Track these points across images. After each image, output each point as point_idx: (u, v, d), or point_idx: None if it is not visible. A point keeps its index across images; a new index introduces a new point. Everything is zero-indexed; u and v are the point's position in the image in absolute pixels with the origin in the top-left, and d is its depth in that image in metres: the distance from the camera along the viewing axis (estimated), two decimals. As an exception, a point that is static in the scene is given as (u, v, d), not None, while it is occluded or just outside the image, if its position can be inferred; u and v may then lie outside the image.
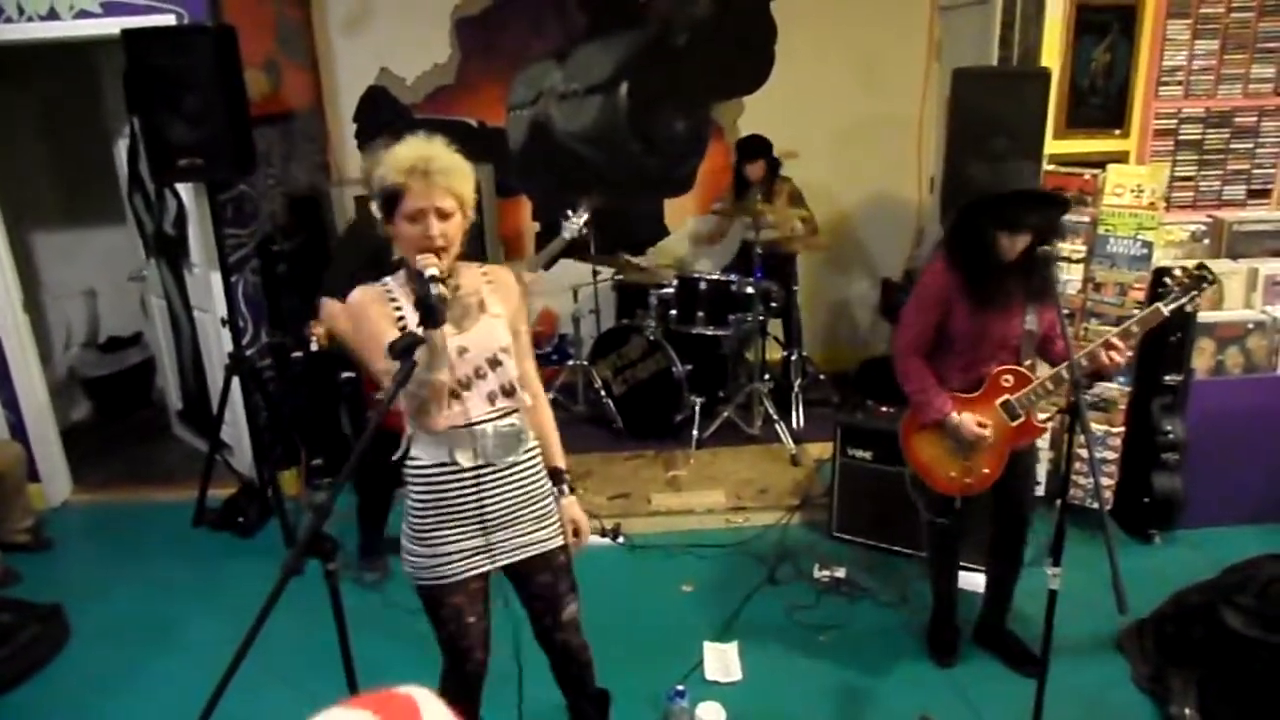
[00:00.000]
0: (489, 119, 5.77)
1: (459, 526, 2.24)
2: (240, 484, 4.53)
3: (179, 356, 5.28)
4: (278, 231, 4.80)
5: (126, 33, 3.76)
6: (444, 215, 2.07)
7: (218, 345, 4.56)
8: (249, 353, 4.47)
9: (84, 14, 4.16)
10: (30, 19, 4.15)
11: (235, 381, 4.27)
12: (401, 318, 2.16)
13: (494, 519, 2.26)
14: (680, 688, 3.02)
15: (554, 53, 5.70)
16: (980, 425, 2.84)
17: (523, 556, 2.32)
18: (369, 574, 3.92)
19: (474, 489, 2.22)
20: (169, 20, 4.16)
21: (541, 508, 2.34)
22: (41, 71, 5.23)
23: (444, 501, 2.22)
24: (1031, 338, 2.86)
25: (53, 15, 4.16)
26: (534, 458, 2.33)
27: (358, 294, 2.21)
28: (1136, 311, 2.82)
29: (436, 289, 1.97)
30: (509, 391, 2.24)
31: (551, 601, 2.41)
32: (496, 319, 2.24)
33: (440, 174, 2.05)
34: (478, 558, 2.27)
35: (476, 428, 2.19)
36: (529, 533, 2.32)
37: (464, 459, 2.19)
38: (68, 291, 5.87)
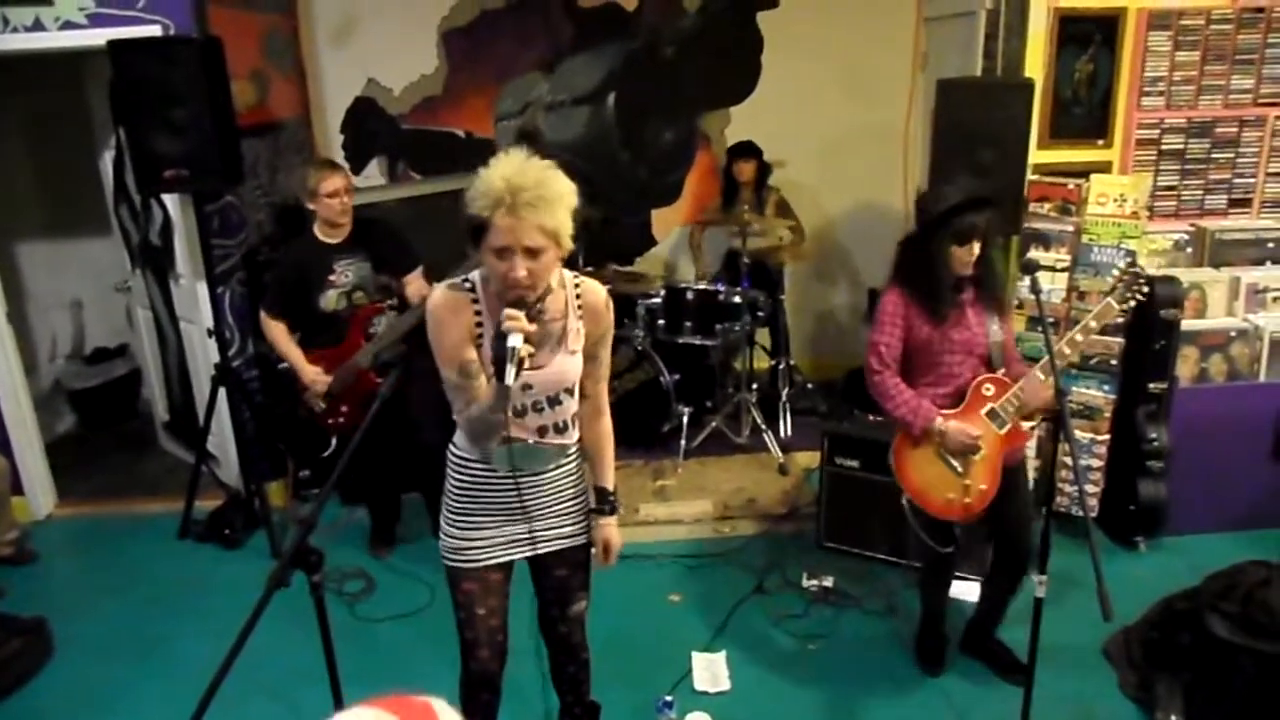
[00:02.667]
0: (476, 130, 5.78)
1: (487, 516, 2.28)
2: (227, 496, 4.51)
3: (165, 368, 5.26)
4: (265, 242, 4.79)
5: (112, 44, 3.76)
6: (532, 253, 1.92)
7: (204, 356, 4.54)
8: (235, 364, 4.45)
9: (69, 25, 4.15)
10: (15, 30, 4.13)
11: (222, 393, 4.25)
12: (481, 332, 2.10)
13: (521, 513, 2.29)
14: (668, 698, 3.02)
15: (542, 64, 5.71)
16: (964, 431, 2.86)
17: (544, 550, 2.35)
18: (380, 557, 4.14)
19: (504, 487, 2.25)
20: (155, 31, 4.14)
21: (570, 506, 2.36)
22: (27, 83, 5.20)
23: (476, 492, 2.27)
24: (1000, 347, 2.91)
25: (38, 26, 4.14)
26: (569, 462, 2.34)
27: (440, 297, 2.10)
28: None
29: (515, 357, 1.86)
30: (560, 429, 2.24)
31: (562, 593, 2.44)
32: (572, 355, 2.18)
33: (528, 207, 1.86)
34: (501, 548, 2.30)
35: (516, 444, 2.18)
36: (554, 527, 2.34)
37: (499, 466, 2.23)
38: (53, 302, 5.84)
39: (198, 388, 4.75)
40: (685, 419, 4.96)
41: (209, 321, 4.29)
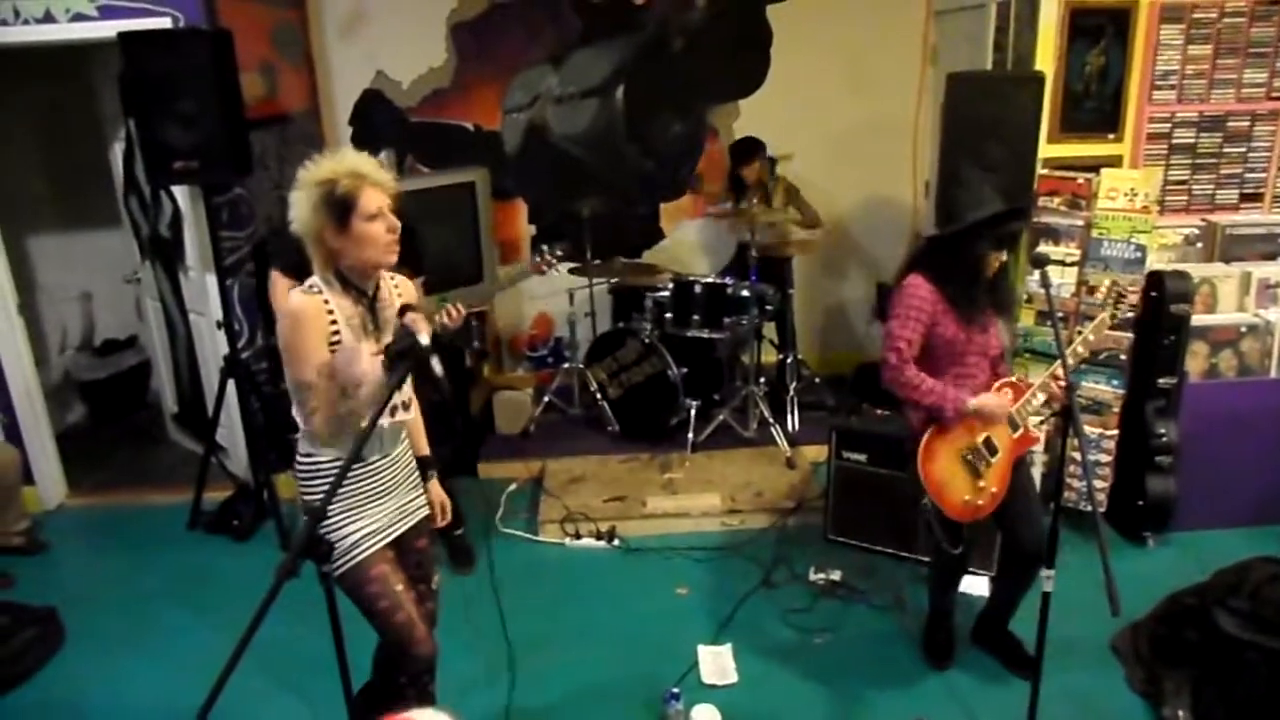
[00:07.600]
0: (485, 123, 5.77)
1: (364, 508, 2.33)
2: (236, 486, 4.53)
3: (174, 359, 5.28)
4: (274, 234, 4.80)
5: (123, 36, 3.77)
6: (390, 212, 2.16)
7: (213, 348, 4.55)
8: (244, 355, 4.47)
9: (80, 17, 4.16)
10: (26, 22, 4.15)
11: (230, 384, 4.27)
12: (336, 334, 2.16)
13: (387, 494, 2.39)
14: (675, 690, 3.02)
15: (550, 57, 5.70)
16: (999, 401, 2.87)
17: (412, 523, 2.46)
18: None
19: (372, 474, 2.35)
20: (165, 23, 4.16)
21: (414, 477, 2.51)
22: (37, 75, 5.22)
23: (349, 491, 2.31)
24: (1010, 351, 2.92)
25: (49, 18, 4.16)
26: (405, 437, 2.49)
27: (299, 301, 2.18)
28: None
29: (426, 352, 1.93)
30: (406, 406, 2.39)
31: (424, 566, 2.55)
32: None
33: (380, 173, 2.14)
34: (385, 529, 2.38)
35: (378, 428, 2.26)
36: (410, 499, 2.47)
37: (369, 454, 2.33)
38: (63, 294, 5.87)
39: (207, 379, 4.77)
40: (693, 412, 4.96)
41: (218, 313, 4.30)
